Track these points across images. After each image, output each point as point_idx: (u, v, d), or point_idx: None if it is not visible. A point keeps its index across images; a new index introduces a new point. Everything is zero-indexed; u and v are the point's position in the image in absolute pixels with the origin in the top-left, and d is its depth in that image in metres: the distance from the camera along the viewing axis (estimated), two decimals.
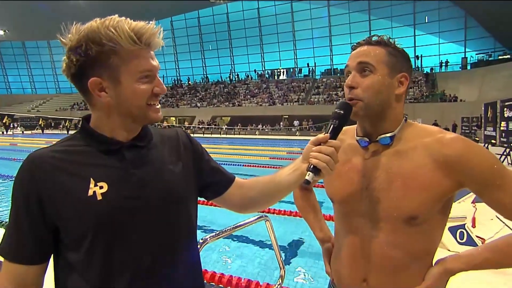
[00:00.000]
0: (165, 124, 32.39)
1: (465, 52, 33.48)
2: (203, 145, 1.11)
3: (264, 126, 31.11)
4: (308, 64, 39.73)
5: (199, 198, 1.07)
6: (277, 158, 12.40)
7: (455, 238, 3.56)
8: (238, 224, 2.21)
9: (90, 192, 0.82)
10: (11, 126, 33.37)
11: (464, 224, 3.60)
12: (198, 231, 1.04)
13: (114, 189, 0.84)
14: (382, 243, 1.03)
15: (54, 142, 0.91)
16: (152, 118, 0.90)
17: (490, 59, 30.62)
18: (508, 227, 3.84)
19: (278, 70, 41.44)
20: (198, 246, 1.42)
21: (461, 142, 0.97)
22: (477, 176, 0.95)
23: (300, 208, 1.43)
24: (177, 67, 47.57)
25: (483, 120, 19.67)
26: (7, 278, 0.83)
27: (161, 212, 0.90)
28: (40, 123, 34.20)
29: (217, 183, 1.07)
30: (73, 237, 0.83)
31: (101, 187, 0.83)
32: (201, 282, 1.03)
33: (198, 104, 38.69)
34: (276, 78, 40.27)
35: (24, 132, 33.16)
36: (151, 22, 0.87)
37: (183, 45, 45.64)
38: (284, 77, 40.06)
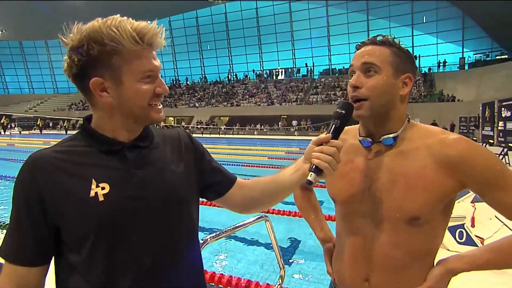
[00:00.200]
0: (163, 124, 32.30)
1: (462, 52, 33.64)
2: None
3: (262, 126, 31.15)
4: (306, 64, 39.77)
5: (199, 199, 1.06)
6: (275, 158, 12.43)
7: (454, 238, 3.57)
8: (238, 225, 2.21)
9: (92, 193, 0.82)
10: (9, 126, 33.32)
11: (463, 223, 3.62)
12: (198, 232, 1.03)
13: (116, 190, 0.84)
14: (384, 243, 1.03)
15: (51, 142, 0.91)
16: (154, 119, 0.90)
17: (487, 59, 30.78)
18: (508, 226, 3.85)
19: (277, 70, 41.52)
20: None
21: (464, 143, 0.97)
22: (479, 177, 0.95)
23: (300, 208, 1.43)
24: (175, 67, 47.50)
25: (480, 120, 19.79)
26: (8, 280, 0.82)
27: (162, 213, 0.89)
28: (38, 123, 34.13)
29: (219, 183, 1.07)
30: (74, 238, 0.83)
31: (103, 188, 0.83)
32: (203, 282, 1.02)
33: (197, 104, 38.67)
34: (274, 78, 40.34)
35: (22, 132, 32.98)
36: (152, 22, 0.86)
37: (181, 45, 45.56)
38: (283, 77, 40.14)
